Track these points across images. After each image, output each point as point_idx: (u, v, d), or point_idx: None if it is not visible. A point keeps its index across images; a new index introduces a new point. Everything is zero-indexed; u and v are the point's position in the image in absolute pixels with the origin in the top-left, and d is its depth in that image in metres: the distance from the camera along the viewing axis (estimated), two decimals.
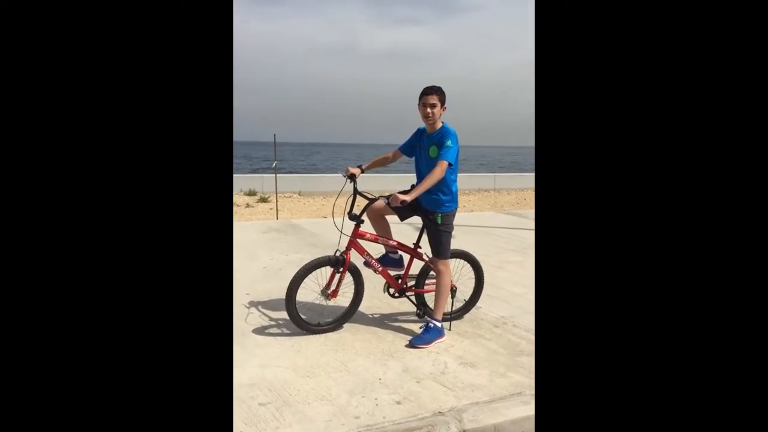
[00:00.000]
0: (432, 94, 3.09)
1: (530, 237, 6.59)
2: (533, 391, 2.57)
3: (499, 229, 7.07)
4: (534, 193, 13.56)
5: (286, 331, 3.25)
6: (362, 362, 2.86)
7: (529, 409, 2.43)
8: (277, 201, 8.70)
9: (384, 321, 3.51)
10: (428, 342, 3.10)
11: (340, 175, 3.49)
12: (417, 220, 3.35)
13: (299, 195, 11.67)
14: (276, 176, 8.64)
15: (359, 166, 3.35)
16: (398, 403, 2.44)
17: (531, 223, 7.69)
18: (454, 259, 3.37)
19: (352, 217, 3.21)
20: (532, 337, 3.28)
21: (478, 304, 3.66)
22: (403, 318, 3.56)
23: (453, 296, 3.41)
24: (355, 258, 3.24)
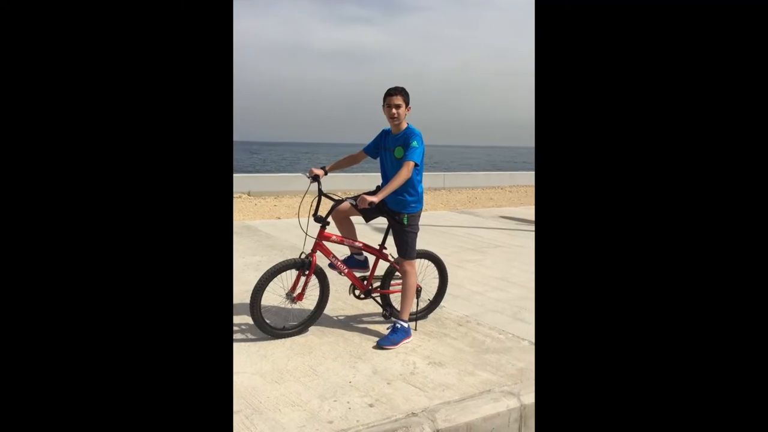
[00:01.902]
0: (396, 94, 3.09)
1: (487, 235, 6.73)
2: (502, 388, 2.62)
3: (456, 228, 7.18)
4: (484, 192, 13.86)
5: (250, 336, 3.16)
6: (331, 365, 2.82)
7: (499, 406, 2.47)
8: None
9: (350, 323, 3.48)
10: (396, 343, 3.10)
11: (298, 174, 3.45)
12: (380, 222, 3.35)
13: (249, 195, 11.42)
14: None
15: (323, 167, 3.32)
16: (371, 405, 2.42)
17: (486, 222, 7.85)
18: (418, 259, 3.39)
19: (318, 218, 3.17)
20: (497, 335, 3.35)
21: (442, 303, 3.70)
22: (370, 319, 3.55)
23: (418, 296, 3.43)
24: (320, 260, 3.20)
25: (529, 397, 2.56)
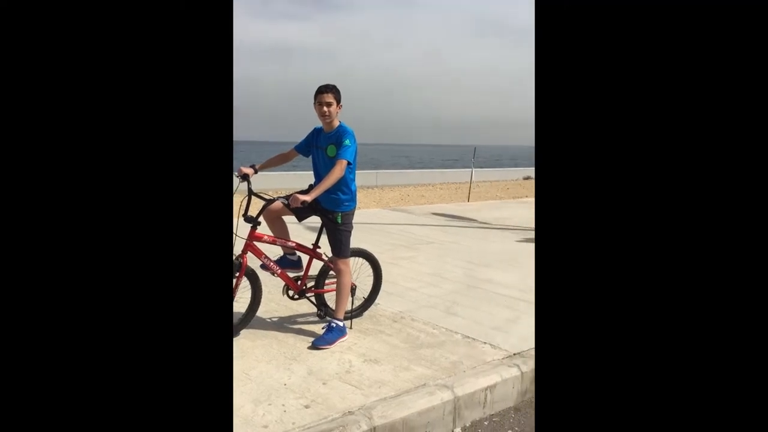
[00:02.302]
0: (327, 92, 3.06)
1: (419, 232, 6.84)
2: (437, 382, 2.68)
3: (389, 226, 7.24)
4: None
5: None
6: (264, 368, 2.76)
7: (434, 400, 2.52)
8: None
9: (284, 324, 3.42)
10: (331, 342, 3.08)
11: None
12: (313, 221, 3.32)
13: None
14: None
15: (252, 166, 3.23)
16: (306, 407, 2.39)
17: (419, 219, 7.98)
18: (352, 258, 3.39)
19: (248, 219, 3.08)
20: (431, 330, 3.41)
21: (377, 300, 3.72)
22: (304, 320, 3.50)
23: (353, 295, 3.42)
24: (252, 261, 3.12)
25: (463, 389, 2.63)
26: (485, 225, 7.76)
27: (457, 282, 4.54)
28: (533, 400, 2.88)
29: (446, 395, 2.57)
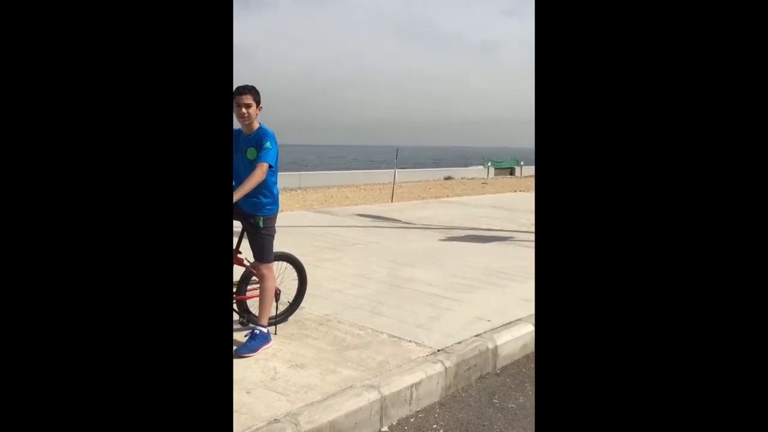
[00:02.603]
0: (246, 93, 2.99)
1: (344, 234, 6.84)
2: (363, 382, 2.69)
3: (313, 228, 7.18)
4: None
5: None
6: None
7: (361, 401, 2.53)
8: None
9: None
10: (255, 349, 3.01)
11: None
12: (233, 225, 3.22)
13: None
14: None
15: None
16: None
17: (343, 220, 7.98)
18: (275, 262, 3.33)
19: None
20: (357, 331, 3.42)
21: (302, 304, 3.68)
22: None
23: (277, 300, 3.37)
24: None
25: (389, 388, 2.67)
26: (408, 225, 7.90)
27: (381, 282, 4.59)
28: (456, 394, 2.97)
29: (373, 395, 2.59)
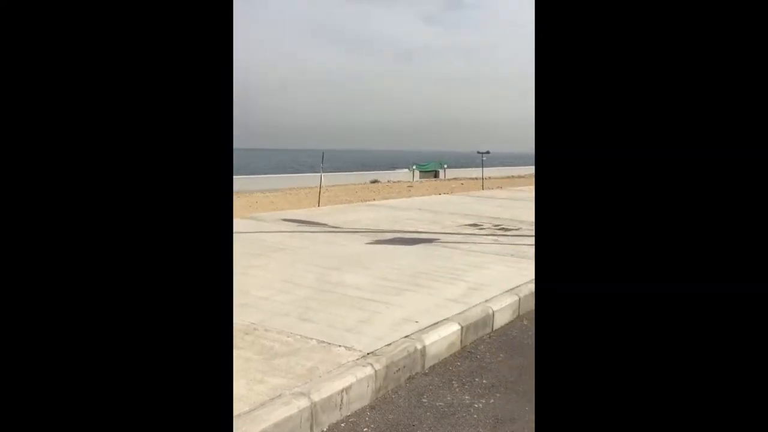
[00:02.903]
0: None
1: (270, 239, 6.71)
2: (293, 390, 2.66)
3: (239, 234, 6.99)
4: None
5: None
6: None
7: (290, 409, 2.50)
8: None
9: None
10: None
11: None
12: None
13: None
14: None
15: None
16: None
17: (269, 226, 7.82)
18: None
19: None
20: (285, 338, 3.37)
21: None
22: None
23: None
24: None
25: (319, 394, 2.65)
26: (336, 229, 7.88)
27: (309, 287, 4.55)
28: (386, 396, 3.01)
29: (302, 402, 2.57)
